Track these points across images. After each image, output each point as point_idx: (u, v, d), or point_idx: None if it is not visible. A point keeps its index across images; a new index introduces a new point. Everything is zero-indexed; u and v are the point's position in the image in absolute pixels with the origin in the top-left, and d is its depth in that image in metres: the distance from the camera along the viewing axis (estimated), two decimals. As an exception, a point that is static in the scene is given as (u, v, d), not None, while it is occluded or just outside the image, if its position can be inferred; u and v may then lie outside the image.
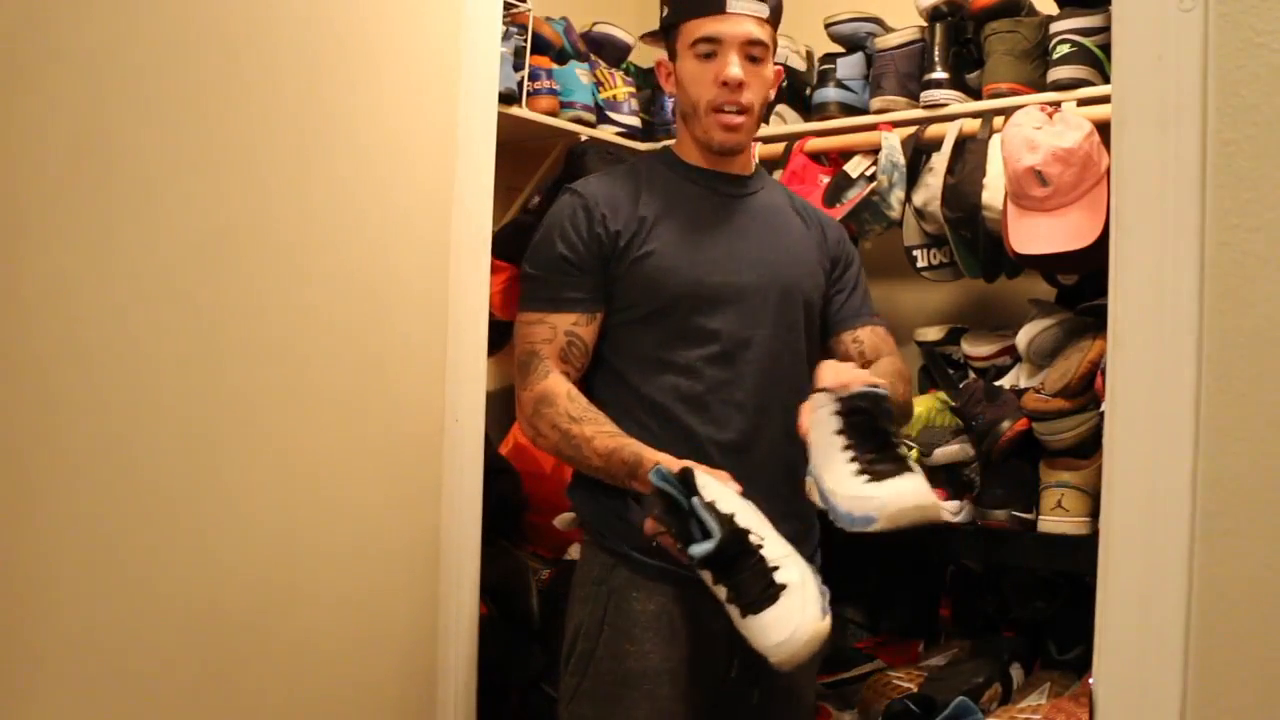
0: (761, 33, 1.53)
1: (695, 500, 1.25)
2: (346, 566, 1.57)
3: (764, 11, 1.53)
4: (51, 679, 1.23)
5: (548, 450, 1.55)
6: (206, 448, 1.38)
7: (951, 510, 1.90)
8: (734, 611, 1.25)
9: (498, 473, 1.97)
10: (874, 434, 1.32)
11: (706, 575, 1.27)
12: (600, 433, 1.46)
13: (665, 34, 1.61)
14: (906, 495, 1.26)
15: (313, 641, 1.52)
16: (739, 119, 1.54)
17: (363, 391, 1.58)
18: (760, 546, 1.26)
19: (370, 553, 1.61)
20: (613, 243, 1.54)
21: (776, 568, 1.25)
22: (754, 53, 1.53)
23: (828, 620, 1.24)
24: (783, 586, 1.23)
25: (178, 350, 1.35)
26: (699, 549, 1.23)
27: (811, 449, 1.37)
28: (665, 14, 1.61)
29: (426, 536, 1.71)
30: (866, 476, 1.28)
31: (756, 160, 1.72)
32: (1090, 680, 1.05)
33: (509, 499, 2.03)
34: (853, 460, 1.30)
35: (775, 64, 1.62)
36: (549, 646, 1.95)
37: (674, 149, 1.66)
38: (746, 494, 1.45)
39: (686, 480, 1.28)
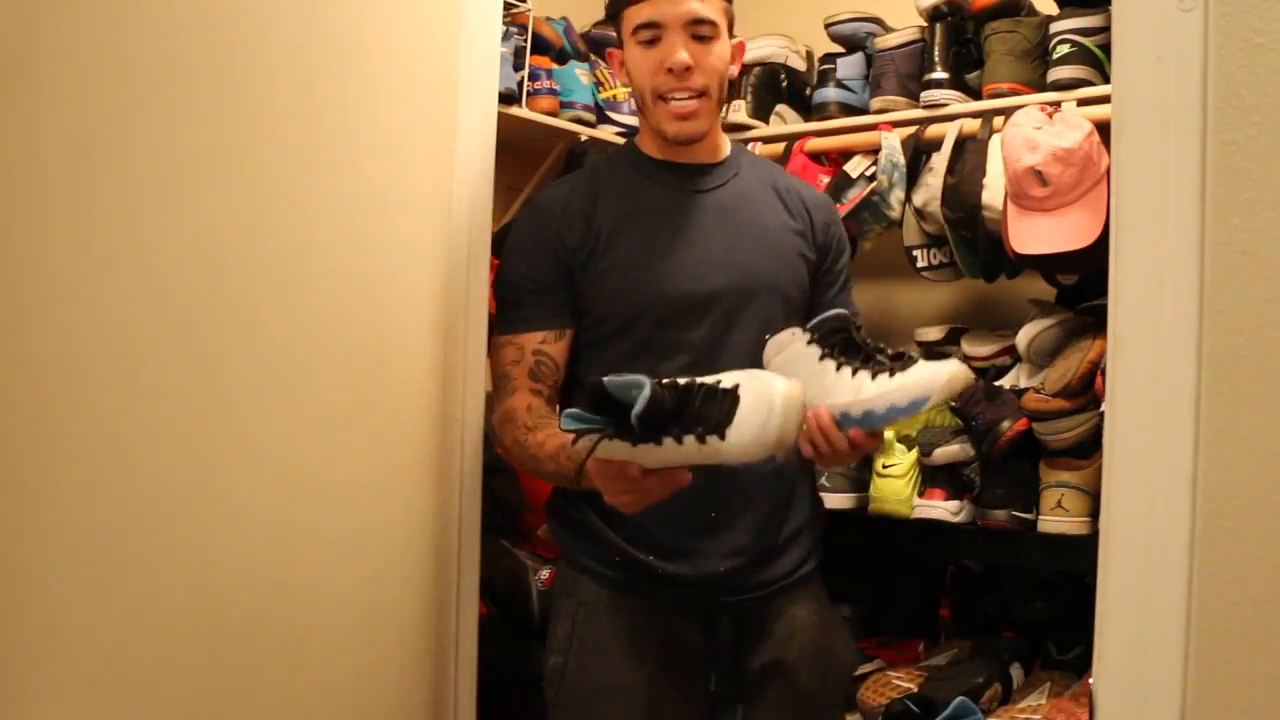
0: (706, 9, 1.42)
1: (606, 380, 1.13)
2: (346, 567, 1.57)
3: None
4: (48, 678, 1.23)
5: (518, 466, 1.52)
6: (204, 449, 1.38)
7: (952, 510, 1.90)
8: (714, 442, 1.11)
9: (497, 473, 1.97)
10: (861, 347, 1.27)
11: (669, 443, 1.13)
12: (550, 435, 1.39)
13: (613, 21, 1.54)
14: (944, 367, 1.20)
15: (311, 641, 1.52)
16: (692, 105, 1.44)
17: (362, 392, 1.58)
18: (692, 381, 1.15)
19: (370, 553, 1.61)
20: (570, 257, 1.48)
21: (719, 382, 1.14)
22: (701, 31, 1.43)
23: (796, 382, 1.13)
24: (736, 387, 1.13)
25: (174, 352, 1.35)
26: (637, 405, 1.09)
27: None
28: (611, 3, 1.52)
29: (426, 536, 1.70)
30: (886, 374, 1.23)
31: (730, 142, 1.60)
32: (1090, 680, 1.05)
33: (508, 499, 2.03)
34: (858, 371, 1.25)
35: (735, 39, 1.51)
36: (549, 646, 1.95)
37: (637, 142, 1.57)
38: (726, 507, 1.44)
39: (592, 388, 1.15)
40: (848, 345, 1.29)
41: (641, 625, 1.47)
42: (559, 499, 1.57)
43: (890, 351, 1.27)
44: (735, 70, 1.54)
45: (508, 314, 1.54)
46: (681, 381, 1.15)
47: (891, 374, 1.22)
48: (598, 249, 1.48)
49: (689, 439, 1.13)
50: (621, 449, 1.16)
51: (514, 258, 1.54)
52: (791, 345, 1.32)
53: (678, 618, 1.48)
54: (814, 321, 1.31)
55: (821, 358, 1.28)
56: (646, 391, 1.10)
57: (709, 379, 1.15)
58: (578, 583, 1.52)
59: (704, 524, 1.46)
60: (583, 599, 1.51)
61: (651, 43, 1.44)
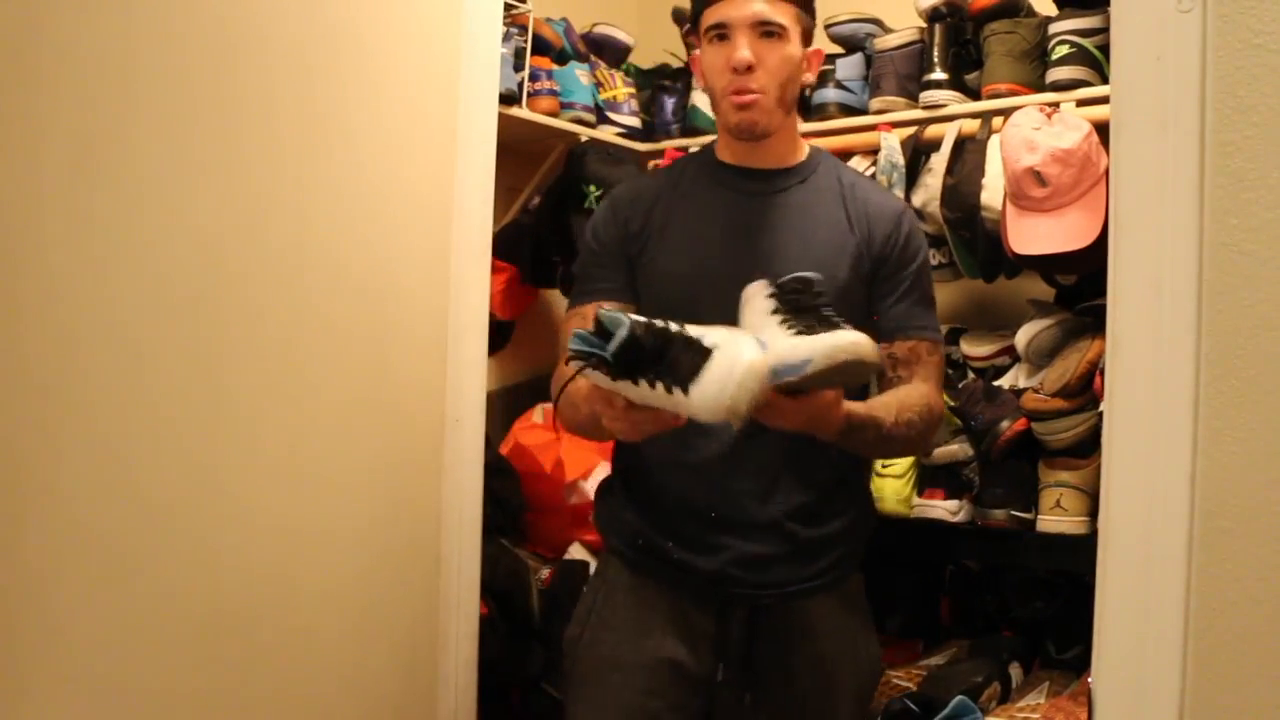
0: (773, 12, 1.47)
1: (601, 312, 1.20)
2: (347, 567, 1.57)
3: None
4: (51, 676, 1.23)
5: (567, 424, 1.56)
6: (207, 448, 1.38)
7: (951, 510, 1.90)
8: (678, 395, 1.17)
9: (498, 473, 1.98)
10: (808, 310, 1.30)
11: (644, 384, 1.19)
12: (586, 382, 1.39)
13: (694, 27, 1.58)
14: (843, 337, 1.22)
15: (313, 641, 1.52)
16: (752, 97, 1.49)
17: (363, 392, 1.59)
18: (681, 330, 1.20)
19: (371, 553, 1.61)
20: (631, 243, 1.55)
21: (701, 338, 1.19)
22: (768, 30, 1.48)
23: (762, 357, 1.17)
24: (714, 346, 1.17)
25: (176, 351, 1.35)
26: (611, 344, 1.16)
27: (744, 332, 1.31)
28: (691, 6, 1.58)
29: (426, 536, 1.71)
30: (799, 335, 1.25)
31: (813, 146, 1.64)
32: (1089, 679, 1.05)
33: (509, 499, 2.03)
34: (787, 327, 1.27)
35: (814, 48, 1.56)
36: (549, 646, 1.95)
37: (715, 146, 1.63)
38: (751, 504, 1.47)
39: (594, 319, 1.22)
40: (796, 306, 1.31)
41: (656, 607, 1.51)
42: (602, 487, 1.63)
43: (829, 318, 1.28)
44: (810, 78, 1.59)
45: (576, 288, 1.61)
46: (667, 326, 1.19)
47: (800, 334, 1.25)
48: (650, 241, 1.55)
49: (659, 385, 1.18)
50: (603, 380, 1.22)
51: (588, 238, 1.61)
52: (757, 297, 1.35)
53: (692, 605, 1.51)
54: (783, 279, 1.33)
55: (772, 311, 1.31)
56: (622, 333, 1.16)
57: (693, 330, 1.20)
58: (608, 564, 1.60)
59: (726, 520, 1.48)
60: (607, 577, 1.58)
61: (721, 39, 1.50)
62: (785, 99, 1.53)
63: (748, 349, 1.17)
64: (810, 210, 1.55)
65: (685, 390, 1.16)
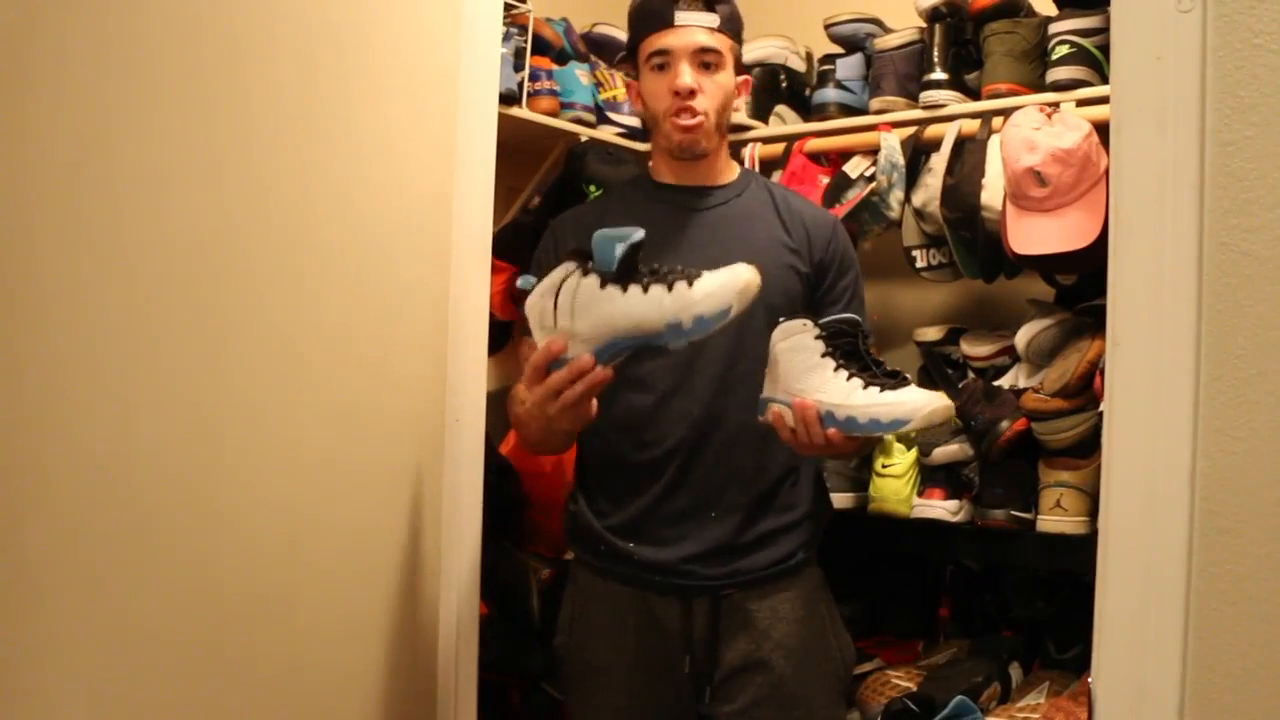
0: (712, 41, 1.57)
1: (600, 231, 1.24)
2: (346, 566, 1.57)
3: (713, 21, 1.57)
4: (48, 675, 1.23)
5: (525, 442, 1.63)
6: (208, 447, 1.38)
7: (951, 510, 1.91)
8: (682, 289, 1.20)
9: (498, 472, 1.98)
10: (863, 356, 1.35)
11: (634, 291, 1.22)
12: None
13: (631, 56, 1.68)
14: (935, 397, 1.28)
15: (312, 641, 1.52)
16: (694, 120, 1.58)
17: (363, 391, 1.59)
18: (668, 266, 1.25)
19: (371, 553, 1.61)
20: None
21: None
22: (706, 59, 1.57)
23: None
24: (702, 270, 1.23)
25: (177, 351, 1.35)
26: (633, 236, 1.21)
27: (782, 375, 1.37)
28: (629, 38, 1.68)
29: (427, 536, 1.71)
30: (878, 388, 1.30)
31: (743, 167, 1.74)
32: (1089, 679, 1.05)
33: (509, 499, 2.04)
34: (852, 377, 1.32)
35: (742, 75, 1.65)
36: (549, 646, 1.95)
37: (649, 168, 1.72)
38: (706, 499, 1.54)
39: (575, 248, 1.28)
40: (850, 351, 1.36)
41: (624, 609, 1.59)
42: (567, 501, 1.70)
43: (888, 368, 1.34)
44: (740, 104, 1.69)
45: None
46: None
47: (882, 389, 1.31)
48: None
49: (657, 288, 1.21)
50: (587, 289, 1.24)
51: (534, 269, 1.67)
52: (799, 335, 1.39)
53: (657, 602, 1.57)
54: (827, 319, 1.39)
55: (824, 354, 1.36)
56: (638, 234, 1.21)
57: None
58: (578, 573, 1.69)
59: (682, 514, 1.56)
60: (579, 586, 1.67)
61: (662, 68, 1.59)
62: (722, 123, 1.63)
63: (745, 266, 1.21)
64: (749, 221, 1.64)
65: (690, 284, 1.20)
